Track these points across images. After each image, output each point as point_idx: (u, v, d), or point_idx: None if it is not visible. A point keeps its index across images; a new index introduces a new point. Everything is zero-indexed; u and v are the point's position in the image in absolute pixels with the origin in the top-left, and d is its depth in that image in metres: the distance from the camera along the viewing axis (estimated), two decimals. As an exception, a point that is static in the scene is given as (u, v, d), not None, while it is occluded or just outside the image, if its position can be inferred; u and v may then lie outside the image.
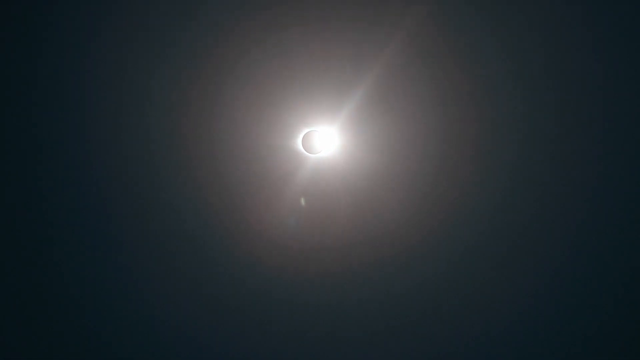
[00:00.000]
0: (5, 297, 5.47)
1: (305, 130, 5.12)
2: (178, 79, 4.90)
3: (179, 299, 5.63)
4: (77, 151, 5.12)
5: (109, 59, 4.79)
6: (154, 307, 5.65)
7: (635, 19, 4.89)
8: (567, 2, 4.83)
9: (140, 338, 5.69)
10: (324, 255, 5.42)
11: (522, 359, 5.58)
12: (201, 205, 5.31)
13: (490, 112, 4.94)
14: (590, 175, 5.20)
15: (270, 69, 4.95)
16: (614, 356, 5.44)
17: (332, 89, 4.95)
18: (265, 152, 5.11)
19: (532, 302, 5.48)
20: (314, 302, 5.58)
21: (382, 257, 5.42)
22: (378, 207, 5.24)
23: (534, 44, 4.80)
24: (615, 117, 5.09)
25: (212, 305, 5.66)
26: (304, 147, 5.14)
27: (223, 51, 4.91)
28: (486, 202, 5.19)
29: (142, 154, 5.12)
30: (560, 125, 5.08)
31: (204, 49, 4.87)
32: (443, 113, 4.94)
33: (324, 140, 5.14)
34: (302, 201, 5.29)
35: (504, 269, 5.40)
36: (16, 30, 4.72)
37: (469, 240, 5.32)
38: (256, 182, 5.20)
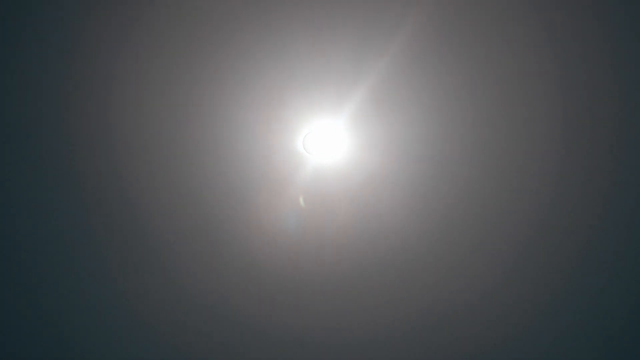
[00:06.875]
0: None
1: (306, 131, 5.08)
2: (177, 79, 4.84)
3: (178, 299, 5.61)
4: (76, 152, 5.06)
5: (108, 59, 4.72)
6: (152, 308, 5.62)
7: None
8: (567, 4, 4.80)
9: (138, 340, 5.66)
10: (324, 258, 5.40)
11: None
12: (200, 206, 5.27)
13: (498, 114, 4.91)
14: (592, 175, 5.19)
15: (271, 68, 4.89)
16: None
17: (334, 89, 4.90)
18: (266, 152, 5.07)
19: (534, 303, 5.50)
20: (313, 303, 5.57)
21: (383, 259, 5.40)
22: (379, 209, 5.21)
23: (539, 45, 4.77)
24: (618, 117, 5.08)
25: (211, 306, 5.64)
26: (305, 148, 5.10)
27: (222, 50, 4.85)
28: (490, 204, 5.17)
29: (141, 154, 5.07)
30: (562, 126, 5.06)
31: (203, 48, 4.80)
32: (447, 114, 4.91)
33: (326, 141, 5.09)
34: (301, 201, 5.24)
35: (506, 272, 5.40)
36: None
37: (471, 243, 5.31)
38: (257, 183, 5.16)
